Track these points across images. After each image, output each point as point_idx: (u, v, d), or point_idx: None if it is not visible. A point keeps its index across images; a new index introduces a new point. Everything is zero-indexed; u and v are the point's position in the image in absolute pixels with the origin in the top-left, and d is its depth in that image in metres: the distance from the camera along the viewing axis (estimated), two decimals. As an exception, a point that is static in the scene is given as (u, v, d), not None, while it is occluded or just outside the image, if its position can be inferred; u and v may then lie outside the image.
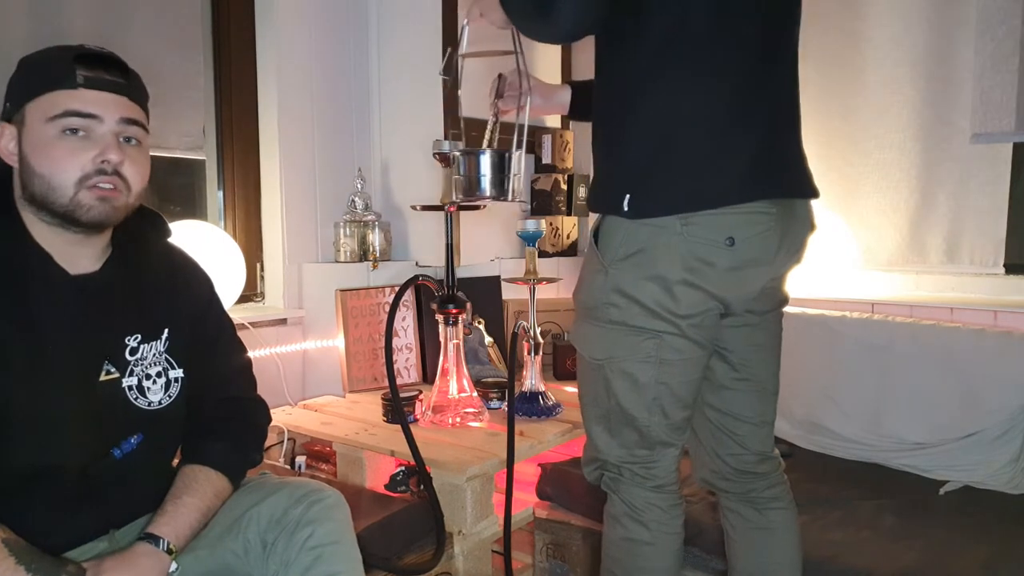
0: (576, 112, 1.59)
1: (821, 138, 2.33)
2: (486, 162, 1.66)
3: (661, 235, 1.17)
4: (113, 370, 1.14)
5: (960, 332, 1.96)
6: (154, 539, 1.10)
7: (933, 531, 1.59)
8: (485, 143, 1.66)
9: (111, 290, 1.15)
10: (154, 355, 1.19)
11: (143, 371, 1.17)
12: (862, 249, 2.32)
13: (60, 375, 1.08)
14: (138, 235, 1.21)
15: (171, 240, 1.30)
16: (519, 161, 1.67)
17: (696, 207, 1.15)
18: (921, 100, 2.18)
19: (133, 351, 1.16)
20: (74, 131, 1.05)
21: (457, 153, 1.70)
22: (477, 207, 1.88)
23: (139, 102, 1.13)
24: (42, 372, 1.06)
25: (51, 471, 1.08)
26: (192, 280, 1.30)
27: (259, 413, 1.35)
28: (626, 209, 1.18)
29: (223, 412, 1.28)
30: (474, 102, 1.72)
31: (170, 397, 1.20)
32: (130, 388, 1.15)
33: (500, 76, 1.59)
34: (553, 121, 2.70)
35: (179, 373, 1.21)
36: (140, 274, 1.20)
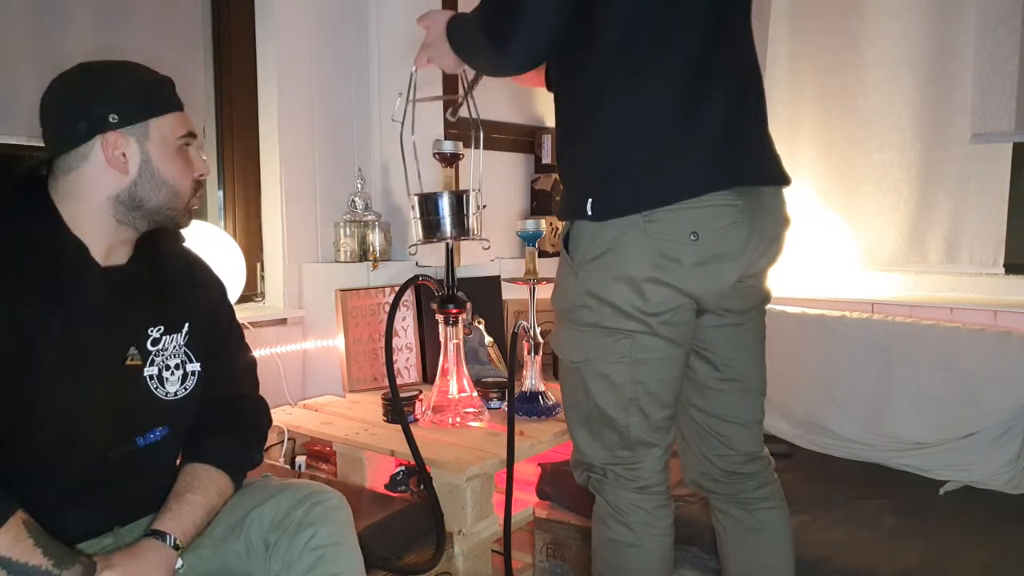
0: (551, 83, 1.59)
1: (821, 138, 2.33)
2: (445, 204, 1.73)
3: (626, 234, 1.18)
4: (136, 354, 1.17)
5: (960, 332, 1.96)
6: (161, 535, 1.11)
7: (933, 531, 1.59)
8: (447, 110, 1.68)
9: (138, 282, 1.19)
10: (174, 347, 1.22)
11: (163, 362, 1.20)
12: (862, 249, 2.31)
13: (88, 360, 1.11)
14: (157, 237, 1.25)
15: (186, 244, 1.34)
16: (476, 200, 1.74)
17: (656, 204, 1.17)
18: (921, 100, 2.18)
19: (155, 341, 1.20)
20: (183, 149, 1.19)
21: (415, 197, 1.74)
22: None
23: None
24: (72, 357, 1.09)
25: (74, 452, 1.10)
26: (208, 280, 1.34)
27: (261, 414, 1.37)
28: (590, 213, 1.20)
29: (226, 410, 1.30)
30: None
31: (186, 389, 1.23)
32: (151, 377, 1.18)
33: None
34: (552, 121, 2.70)
35: (196, 367, 1.24)
36: (161, 271, 1.24)
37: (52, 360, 1.06)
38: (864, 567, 1.47)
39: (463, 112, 1.62)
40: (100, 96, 1.12)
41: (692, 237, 1.17)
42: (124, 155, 1.12)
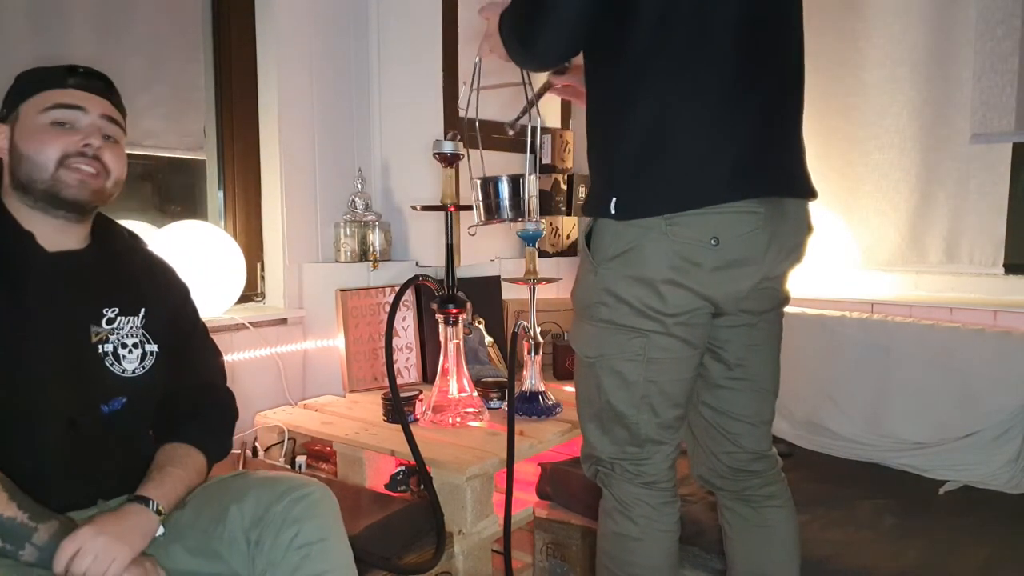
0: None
1: (821, 138, 2.33)
2: (504, 188, 1.85)
3: (647, 235, 1.18)
4: (100, 331, 1.21)
5: (960, 332, 1.96)
6: (144, 500, 1.14)
7: (933, 531, 1.59)
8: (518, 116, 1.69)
9: (89, 267, 1.24)
10: (131, 328, 1.26)
11: (119, 340, 1.24)
12: (862, 249, 2.32)
13: (40, 335, 1.15)
14: (115, 235, 1.31)
15: (150, 248, 1.39)
16: (534, 184, 1.85)
17: (679, 207, 1.17)
18: (921, 100, 2.18)
19: (110, 321, 1.23)
20: (61, 124, 1.19)
21: (477, 180, 1.85)
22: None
23: (119, 109, 1.28)
24: (22, 331, 1.13)
25: (39, 417, 1.13)
26: (170, 280, 1.38)
27: (231, 403, 1.39)
28: (613, 211, 1.20)
29: (197, 397, 1.34)
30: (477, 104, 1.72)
31: (144, 368, 1.26)
32: (106, 354, 1.21)
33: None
34: (553, 121, 2.70)
35: (154, 348, 1.27)
36: (118, 260, 1.29)
37: (2, 335, 1.11)
38: (864, 567, 1.47)
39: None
40: (4, 97, 1.23)
41: (713, 242, 1.17)
42: (1, 141, 1.20)
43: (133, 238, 1.36)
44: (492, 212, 1.87)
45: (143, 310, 1.28)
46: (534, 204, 1.89)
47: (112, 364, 1.22)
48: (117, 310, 1.24)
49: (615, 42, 1.19)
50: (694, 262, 1.18)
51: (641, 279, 1.20)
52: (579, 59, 1.57)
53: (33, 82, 1.21)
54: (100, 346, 1.21)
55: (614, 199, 1.20)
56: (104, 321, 1.22)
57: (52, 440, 1.15)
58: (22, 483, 1.07)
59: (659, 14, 1.15)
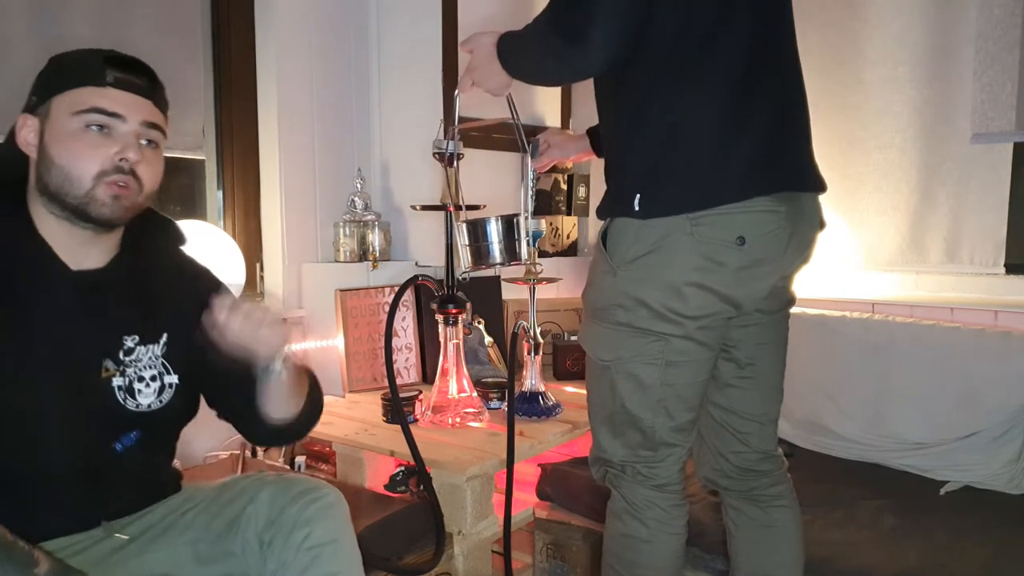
0: (600, 150, 1.60)
1: (821, 138, 2.29)
2: (493, 229, 1.70)
3: (671, 236, 1.18)
4: (112, 365, 1.13)
5: (960, 332, 1.96)
6: None
7: (933, 531, 1.59)
8: (527, 199, 1.73)
9: (112, 289, 1.15)
10: (150, 358, 1.18)
11: (136, 372, 1.16)
12: (862, 249, 2.31)
13: (50, 370, 1.08)
14: (148, 240, 1.21)
15: (185, 249, 1.29)
16: (527, 223, 1.73)
17: (702, 205, 1.16)
18: (921, 100, 2.18)
19: (129, 351, 1.16)
20: (99, 127, 1.07)
21: (463, 224, 1.71)
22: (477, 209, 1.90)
23: (162, 108, 1.16)
24: (32, 366, 1.06)
25: (49, 455, 1.08)
26: (200, 284, 1.28)
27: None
28: (637, 208, 1.19)
29: None
30: (471, 103, 1.72)
31: (162, 402, 1.19)
32: (119, 388, 1.14)
33: (535, 139, 1.65)
34: (552, 120, 2.70)
35: (174, 379, 1.20)
36: (144, 277, 1.20)
37: (7, 371, 1.04)
38: (864, 567, 1.47)
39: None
40: (35, 82, 1.11)
41: (738, 241, 1.17)
42: (29, 136, 1.09)
43: (167, 237, 1.26)
44: (482, 257, 1.70)
45: (165, 336, 1.19)
46: (529, 246, 1.74)
47: (125, 399, 1.14)
48: (137, 338, 1.16)
49: (633, 46, 1.19)
50: (719, 262, 1.18)
51: (664, 281, 1.19)
52: (549, 136, 1.71)
53: (67, 74, 1.09)
54: (113, 380, 1.13)
55: (638, 196, 1.19)
56: (122, 352, 1.14)
57: (59, 473, 1.10)
58: (26, 506, 1.03)
59: (676, 24, 1.15)
